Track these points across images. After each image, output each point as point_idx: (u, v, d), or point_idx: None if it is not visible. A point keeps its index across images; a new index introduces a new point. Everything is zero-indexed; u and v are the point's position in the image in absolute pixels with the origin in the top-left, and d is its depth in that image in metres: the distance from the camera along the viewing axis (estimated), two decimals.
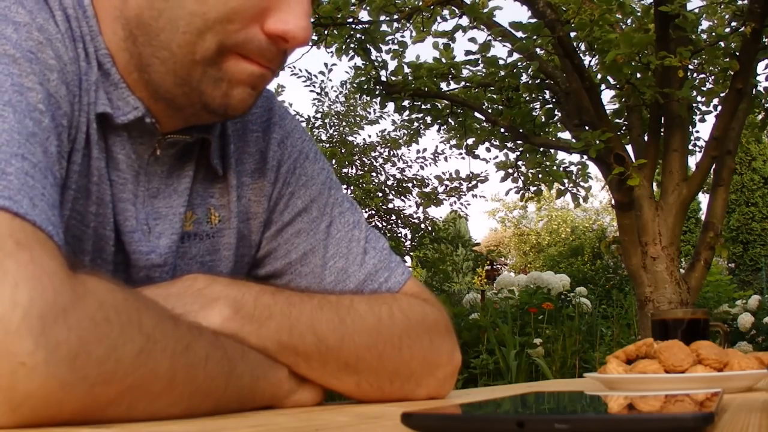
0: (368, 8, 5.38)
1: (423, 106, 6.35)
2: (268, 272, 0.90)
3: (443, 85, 6.10)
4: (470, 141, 6.43)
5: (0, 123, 0.59)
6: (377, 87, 6.08)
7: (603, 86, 5.26)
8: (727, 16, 5.67)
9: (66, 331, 0.51)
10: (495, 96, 6.11)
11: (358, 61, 6.19)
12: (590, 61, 5.83)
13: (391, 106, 6.35)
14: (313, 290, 0.85)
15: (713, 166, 5.11)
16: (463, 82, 6.10)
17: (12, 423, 0.49)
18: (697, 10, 5.26)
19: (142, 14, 0.71)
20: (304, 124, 8.65)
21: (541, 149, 6.13)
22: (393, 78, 6.00)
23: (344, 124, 8.96)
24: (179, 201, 0.80)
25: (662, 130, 5.17)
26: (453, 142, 7.09)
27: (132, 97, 0.74)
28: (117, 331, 0.54)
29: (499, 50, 26.66)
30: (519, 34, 5.11)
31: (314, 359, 0.75)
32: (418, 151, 8.83)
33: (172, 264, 0.80)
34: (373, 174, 8.63)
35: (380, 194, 8.40)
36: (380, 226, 8.62)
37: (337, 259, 0.88)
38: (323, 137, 8.87)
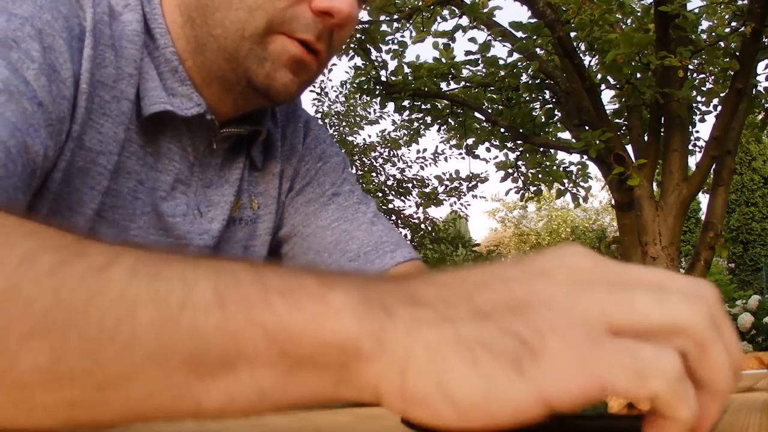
0: (368, 8, 5.38)
1: (423, 106, 6.35)
2: (276, 240, 0.92)
3: (443, 85, 6.11)
4: (470, 141, 6.43)
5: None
6: (377, 87, 6.08)
7: (603, 86, 5.26)
8: (727, 16, 5.67)
9: None
10: (495, 96, 6.12)
11: (358, 61, 6.20)
12: (590, 61, 5.84)
13: (391, 106, 6.37)
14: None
15: (713, 166, 5.12)
16: (463, 82, 6.11)
17: None
18: (697, 10, 5.27)
19: None
20: None
21: (541, 149, 6.14)
22: (393, 78, 6.00)
23: (344, 124, 8.97)
24: (230, 190, 0.84)
25: (662, 130, 5.17)
26: (453, 142, 7.10)
27: (195, 94, 0.77)
28: None
29: (499, 50, 26.70)
30: (519, 34, 5.11)
31: None
32: (418, 152, 8.85)
33: (220, 247, 0.84)
34: (373, 174, 8.63)
35: (380, 194, 8.40)
36: None
37: (341, 222, 0.89)
38: None
